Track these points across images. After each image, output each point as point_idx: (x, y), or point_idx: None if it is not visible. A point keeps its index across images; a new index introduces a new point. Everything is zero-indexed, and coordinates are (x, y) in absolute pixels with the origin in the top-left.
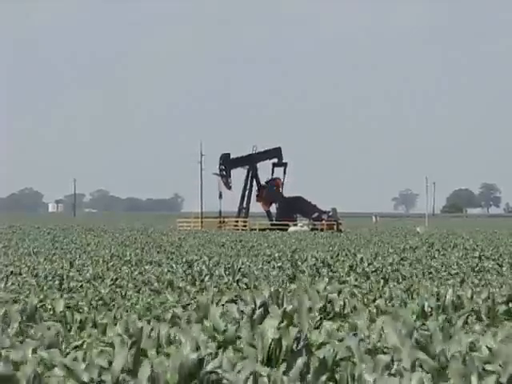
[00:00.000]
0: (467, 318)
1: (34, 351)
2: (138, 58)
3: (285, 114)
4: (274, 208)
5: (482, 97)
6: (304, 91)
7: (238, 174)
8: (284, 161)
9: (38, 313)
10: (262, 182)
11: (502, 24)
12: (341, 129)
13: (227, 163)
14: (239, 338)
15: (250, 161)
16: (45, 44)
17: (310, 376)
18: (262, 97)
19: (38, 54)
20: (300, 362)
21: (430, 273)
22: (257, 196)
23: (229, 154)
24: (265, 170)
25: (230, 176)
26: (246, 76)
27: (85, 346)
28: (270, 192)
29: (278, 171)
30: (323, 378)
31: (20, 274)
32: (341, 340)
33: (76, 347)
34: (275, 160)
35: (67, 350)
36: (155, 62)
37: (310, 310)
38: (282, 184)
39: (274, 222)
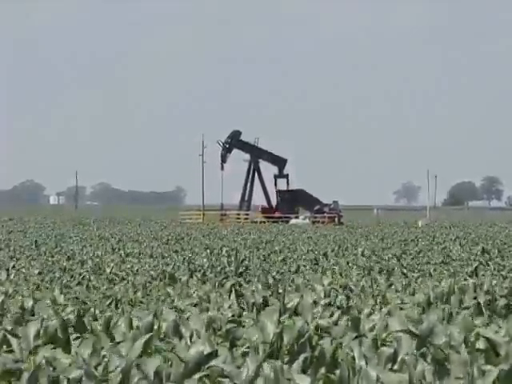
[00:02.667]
0: (469, 310)
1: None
2: (138, 58)
3: (285, 114)
4: (275, 200)
5: (484, 91)
6: (304, 91)
7: (240, 167)
8: (285, 173)
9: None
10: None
11: (501, 24)
12: (342, 124)
13: (234, 140)
14: (244, 327)
15: (254, 153)
16: (45, 44)
17: (310, 368)
18: (262, 97)
19: (38, 54)
20: (301, 355)
21: (434, 264)
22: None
23: (240, 133)
24: (264, 167)
25: (230, 152)
26: (246, 76)
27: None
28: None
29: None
30: (323, 370)
31: (21, 267)
32: (343, 333)
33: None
34: (276, 168)
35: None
36: (155, 62)
37: (314, 303)
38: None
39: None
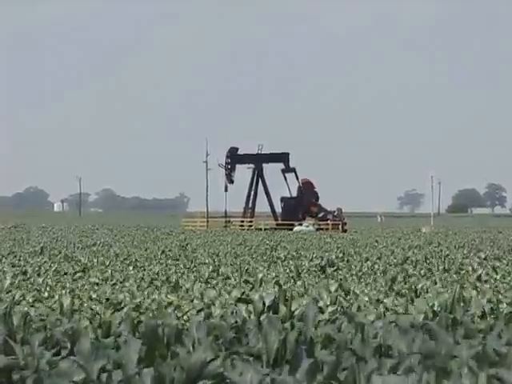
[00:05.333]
0: (472, 318)
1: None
2: (140, 63)
3: (288, 114)
4: (279, 207)
5: (487, 98)
6: (306, 95)
7: (243, 174)
8: (292, 166)
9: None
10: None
11: (502, 24)
12: (345, 129)
13: (234, 157)
14: (246, 336)
15: (257, 160)
16: (45, 44)
17: (314, 377)
18: (263, 101)
19: (39, 56)
20: (304, 362)
21: (438, 271)
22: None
23: (237, 149)
24: (270, 173)
25: (234, 170)
26: (248, 75)
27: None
28: (309, 192)
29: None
30: (327, 378)
31: (25, 273)
32: (347, 340)
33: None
34: (282, 164)
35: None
36: (157, 66)
37: (320, 309)
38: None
39: (280, 221)
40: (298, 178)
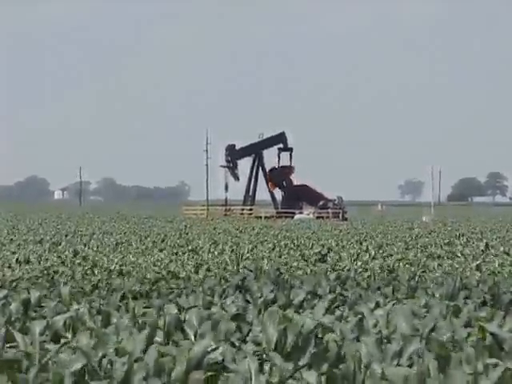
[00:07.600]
0: (473, 305)
1: (41, 335)
2: (141, 53)
3: (287, 108)
4: (280, 196)
5: (489, 87)
6: (307, 86)
7: (245, 162)
8: (289, 146)
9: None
10: (271, 166)
11: (502, 24)
12: (345, 129)
13: (233, 154)
14: (248, 323)
15: (255, 149)
16: (48, 39)
17: (315, 364)
18: (264, 92)
19: (41, 48)
20: (306, 350)
21: (438, 259)
22: (268, 176)
23: (234, 145)
24: (272, 159)
25: (236, 167)
26: (248, 75)
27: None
28: (278, 175)
29: (285, 158)
30: (327, 365)
31: (27, 261)
32: (347, 328)
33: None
34: (280, 145)
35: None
36: (158, 56)
37: (319, 298)
38: (291, 171)
39: (280, 210)
40: (291, 159)
